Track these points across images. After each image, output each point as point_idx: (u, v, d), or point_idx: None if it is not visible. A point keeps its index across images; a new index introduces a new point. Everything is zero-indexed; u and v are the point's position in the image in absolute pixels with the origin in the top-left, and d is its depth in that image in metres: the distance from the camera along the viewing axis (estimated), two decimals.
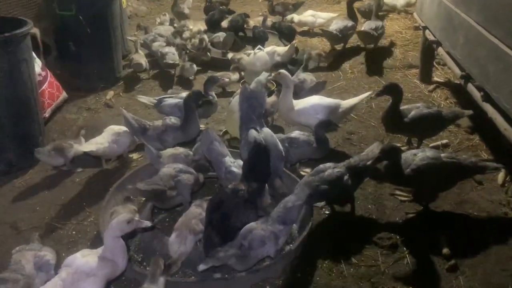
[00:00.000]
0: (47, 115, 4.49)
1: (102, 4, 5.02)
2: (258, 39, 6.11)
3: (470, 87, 3.77)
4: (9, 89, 3.65)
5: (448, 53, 4.30)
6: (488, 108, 3.42)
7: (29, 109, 3.85)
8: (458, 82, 5.46)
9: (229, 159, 3.23)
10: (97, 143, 3.61)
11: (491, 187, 3.62)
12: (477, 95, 3.64)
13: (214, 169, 3.32)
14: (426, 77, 5.43)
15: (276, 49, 5.37)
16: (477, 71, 3.56)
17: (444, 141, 4.20)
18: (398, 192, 3.57)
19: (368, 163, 3.09)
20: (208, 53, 5.72)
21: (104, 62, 5.30)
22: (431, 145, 4.16)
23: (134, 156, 4.03)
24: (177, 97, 4.16)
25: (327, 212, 3.37)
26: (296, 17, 6.98)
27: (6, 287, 2.36)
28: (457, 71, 4.11)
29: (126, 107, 4.87)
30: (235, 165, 3.22)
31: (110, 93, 5.21)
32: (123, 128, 3.78)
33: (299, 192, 2.80)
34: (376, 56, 6.18)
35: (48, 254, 2.60)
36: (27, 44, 3.74)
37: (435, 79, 5.49)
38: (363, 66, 5.83)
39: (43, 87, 4.47)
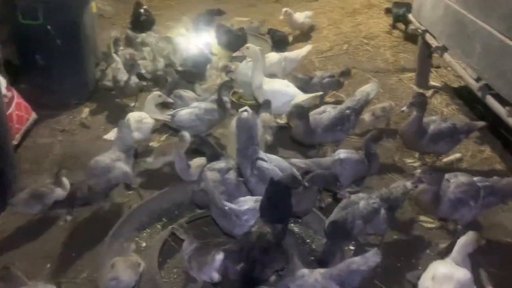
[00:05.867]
0: (16, 142, 3.91)
1: (73, 12, 4.44)
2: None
3: (490, 100, 3.52)
4: None
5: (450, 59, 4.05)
6: None
7: None
8: (456, 86, 5.32)
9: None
10: None
11: None
12: (500, 109, 3.39)
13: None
14: (423, 81, 5.18)
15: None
16: (503, 84, 3.29)
17: (458, 155, 3.96)
18: (422, 218, 3.30)
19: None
20: None
21: (76, 76, 4.72)
22: (444, 160, 3.91)
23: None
24: (191, 106, 3.87)
25: (352, 247, 3.04)
26: (297, 17, 6.47)
27: None
28: (470, 80, 3.86)
29: (105, 126, 4.38)
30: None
31: (85, 111, 4.64)
32: (143, 114, 3.88)
33: (370, 256, 2.42)
34: (367, 59, 5.89)
35: None
36: None
37: (432, 83, 5.26)
38: (355, 71, 5.51)
39: (10, 110, 3.88)
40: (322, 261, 2.61)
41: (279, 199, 2.64)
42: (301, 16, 6.54)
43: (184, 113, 3.78)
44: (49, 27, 4.31)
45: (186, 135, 3.35)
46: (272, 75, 4.79)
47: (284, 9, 6.49)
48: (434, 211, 2.94)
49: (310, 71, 5.51)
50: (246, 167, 3.03)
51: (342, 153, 3.27)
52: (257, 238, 2.48)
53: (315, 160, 3.30)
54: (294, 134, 3.69)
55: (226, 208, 2.67)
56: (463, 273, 2.40)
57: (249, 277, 2.42)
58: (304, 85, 4.72)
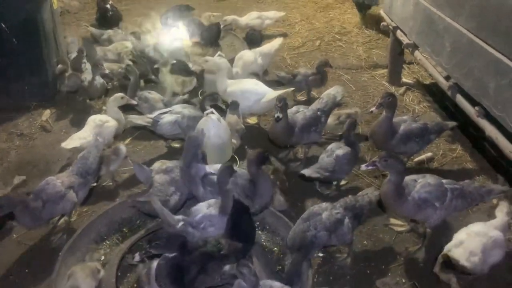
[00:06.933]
0: None
1: (30, 8, 4.21)
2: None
3: (460, 99, 3.48)
4: None
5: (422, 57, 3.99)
6: (486, 125, 3.13)
7: None
8: (428, 82, 5.27)
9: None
10: (80, 138, 3.40)
11: (486, 207, 3.36)
12: (469, 109, 3.34)
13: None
14: (395, 78, 5.12)
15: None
16: (471, 84, 3.24)
17: (429, 154, 3.90)
18: (392, 222, 3.23)
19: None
20: None
21: (35, 76, 4.51)
22: (415, 159, 3.85)
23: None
24: (173, 112, 3.71)
25: (320, 254, 2.95)
26: (241, 20, 6.21)
27: None
28: (441, 79, 3.81)
29: (67, 130, 4.18)
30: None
31: (46, 113, 4.44)
32: (105, 117, 3.73)
33: None
34: (339, 56, 5.80)
35: None
36: None
37: (404, 80, 5.20)
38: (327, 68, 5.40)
39: None
40: (288, 279, 2.50)
41: (240, 221, 2.56)
42: (246, 19, 6.19)
43: (166, 121, 3.63)
44: (3, 25, 4.08)
45: (123, 149, 3.40)
46: (251, 75, 4.71)
47: (224, 18, 6.15)
48: (397, 207, 2.81)
49: (282, 68, 5.40)
50: (197, 189, 2.92)
51: (335, 150, 3.34)
52: (205, 244, 2.38)
53: (321, 165, 3.28)
54: (273, 132, 3.55)
55: (181, 224, 2.58)
56: (496, 233, 2.67)
57: (179, 278, 2.30)
58: (288, 83, 4.61)
